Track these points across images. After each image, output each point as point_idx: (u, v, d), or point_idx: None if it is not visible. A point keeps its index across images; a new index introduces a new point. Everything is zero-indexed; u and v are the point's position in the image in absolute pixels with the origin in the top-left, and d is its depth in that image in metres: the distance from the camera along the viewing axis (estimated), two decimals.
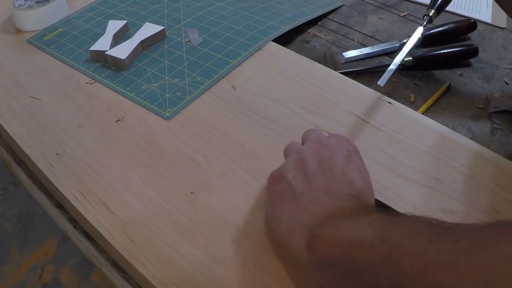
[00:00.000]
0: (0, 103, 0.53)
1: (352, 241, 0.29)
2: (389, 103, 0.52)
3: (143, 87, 0.55)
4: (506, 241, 0.23)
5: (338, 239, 0.30)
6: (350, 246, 0.29)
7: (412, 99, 0.57)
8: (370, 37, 0.68)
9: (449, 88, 0.59)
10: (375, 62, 0.63)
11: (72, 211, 0.44)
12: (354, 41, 0.67)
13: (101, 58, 0.58)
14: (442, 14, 0.60)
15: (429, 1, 0.59)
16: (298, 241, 0.33)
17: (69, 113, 0.51)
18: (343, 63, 0.63)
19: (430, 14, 0.58)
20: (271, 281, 0.36)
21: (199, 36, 0.62)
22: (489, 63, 0.63)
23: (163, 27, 0.62)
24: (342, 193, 0.34)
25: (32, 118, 0.51)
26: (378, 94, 0.53)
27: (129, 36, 0.61)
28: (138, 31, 0.61)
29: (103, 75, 0.57)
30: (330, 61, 0.63)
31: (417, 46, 0.63)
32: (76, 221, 0.44)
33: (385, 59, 0.63)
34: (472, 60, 0.63)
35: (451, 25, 0.66)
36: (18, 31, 0.65)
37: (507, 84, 0.60)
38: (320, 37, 0.68)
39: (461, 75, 0.61)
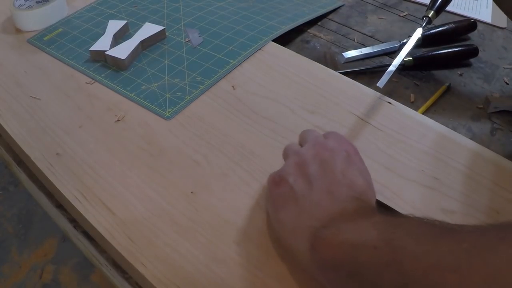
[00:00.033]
0: (0, 103, 0.53)
1: (356, 243, 0.29)
2: (389, 103, 0.52)
3: (143, 87, 0.55)
4: (508, 243, 0.23)
5: (341, 241, 0.30)
6: (353, 247, 0.29)
7: (412, 99, 0.57)
8: (370, 37, 0.68)
9: (449, 88, 0.59)
10: (375, 62, 0.63)
11: (72, 211, 0.44)
12: (354, 41, 0.67)
13: (101, 58, 0.58)
14: (442, 14, 0.60)
15: (429, 2, 0.59)
16: (302, 243, 0.33)
17: (69, 113, 0.51)
18: (343, 63, 0.63)
19: (430, 15, 0.58)
20: (271, 281, 0.36)
21: (199, 36, 0.62)
22: (489, 63, 0.63)
23: (163, 27, 0.62)
24: (344, 195, 0.34)
25: (32, 118, 0.51)
26: (378, 94, 0.53)
27: (129, 36, 0.61)
28: (138, 31, 0.61)
29: (103, 75, 0.57)
30: (330, 61, 0.63)
31: (417, 46, 0.63)
32: (76, 221, 0.44)
33: (385, 59, 0.63)
34: (472, 60, 0.63)
35: (451, 25, 0.66)
36: (18, 31, 0.65)
37: (507, 84, 0.60)
38: (320, 37, 0.68)
39: (461, 75, 0.61)
